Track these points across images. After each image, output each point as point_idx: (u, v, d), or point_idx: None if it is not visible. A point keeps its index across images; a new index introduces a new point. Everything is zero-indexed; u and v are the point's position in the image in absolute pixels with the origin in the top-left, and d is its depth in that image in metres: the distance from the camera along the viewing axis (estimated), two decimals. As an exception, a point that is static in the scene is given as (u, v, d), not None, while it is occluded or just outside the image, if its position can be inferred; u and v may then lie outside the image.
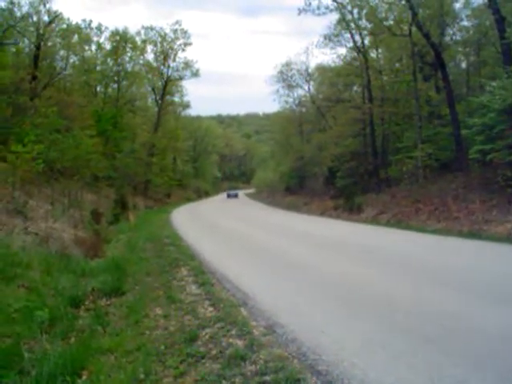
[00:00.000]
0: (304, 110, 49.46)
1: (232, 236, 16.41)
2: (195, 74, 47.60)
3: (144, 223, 21.43)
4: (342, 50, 59.99)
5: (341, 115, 33.16)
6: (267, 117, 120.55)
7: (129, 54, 40.63)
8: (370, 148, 27.66)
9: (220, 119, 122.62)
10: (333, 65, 37.66)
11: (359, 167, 29.22)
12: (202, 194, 64.24)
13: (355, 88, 35.33)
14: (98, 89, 40.91)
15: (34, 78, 25.73)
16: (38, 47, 27.52)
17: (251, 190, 74.18)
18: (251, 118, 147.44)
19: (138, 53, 42.45)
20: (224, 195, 64.16)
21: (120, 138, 35.75)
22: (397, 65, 28.18)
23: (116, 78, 40.25)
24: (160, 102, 46.62)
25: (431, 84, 25.95)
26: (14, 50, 26.65)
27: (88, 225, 15.47)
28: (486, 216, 15.39)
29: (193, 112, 76.60)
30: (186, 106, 56.03)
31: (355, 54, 30.32)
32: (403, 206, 20.59)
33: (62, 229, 12.71)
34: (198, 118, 72.08)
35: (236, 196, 61.62)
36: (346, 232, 17.16)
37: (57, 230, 12.02)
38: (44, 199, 16.00)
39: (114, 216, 21.55)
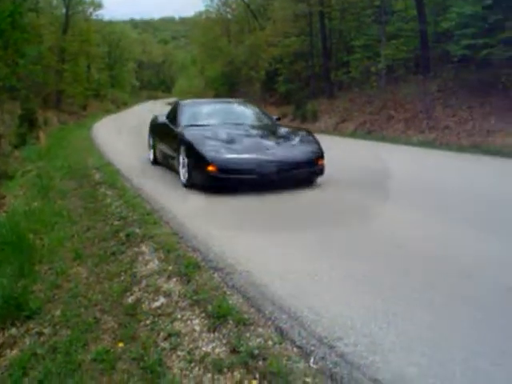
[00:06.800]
0: (231, 10, 44.91)
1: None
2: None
3: (60, 145, 16.57)
4: None
5: (278, 11, 29.38)
6: (184, 21, 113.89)
7: None
8: (321, 47, 24.21)
9: (133, 24, 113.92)
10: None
11: (305, 70, 25.94)
12: (120, 104, 58.83)
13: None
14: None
15: None
16: None
17: (173, 99, 69.37)
18: (167, 22, 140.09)
19: None
20: (145, 106, 56.80)
21: (22, 41, 30.13)
22: None
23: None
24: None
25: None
26: None
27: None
28: (484, 125, 12.88)
29: (105, 15, 69.49)
30: (98, 5, 49.42)
31: None
32: (369, 114, 17.79)
33: None
34: (111, 22, 64.88)
35: None
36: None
37: None
38: None
39: (19, 137, 17.16)
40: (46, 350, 3.70)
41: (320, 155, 7.49)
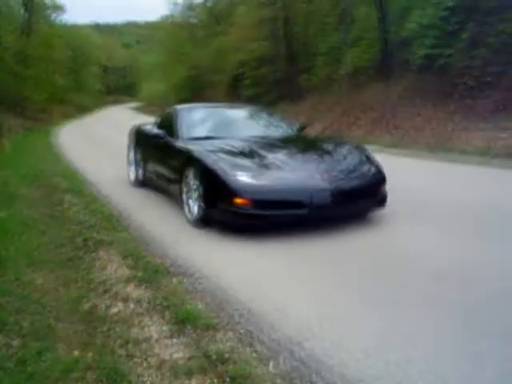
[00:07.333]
0: (195, 13, 44.93)
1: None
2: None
3: (24, 152, 16.04)
4: None
5: (244, 16, 29.42)
6: (149, 25, 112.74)
7: None
8: (285, 52, 24.39)
9: (98, 28, 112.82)
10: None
11: (271, 74, 26.03)
12: (86, 109, 58.06)
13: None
14: None
15: None
16: None
17: (139, 104, 68.75)
18: (131, 27, 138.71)
19: None
20: (110, 110, 56.65)
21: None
22: None
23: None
24: (29, 3, 39.63)
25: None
26: None
27: None
28: (448, 124, 13.12)
29: (68, 20, 68.72)
30: (60, 9, 48.58)
31: None
32: (335, 116, 18.00)
33: None
34: (75, 26, 64.01)
35: None
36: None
37: None
38: None
39: (-19, 145, 16.70)
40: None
41: (382, 179, 5.62)
